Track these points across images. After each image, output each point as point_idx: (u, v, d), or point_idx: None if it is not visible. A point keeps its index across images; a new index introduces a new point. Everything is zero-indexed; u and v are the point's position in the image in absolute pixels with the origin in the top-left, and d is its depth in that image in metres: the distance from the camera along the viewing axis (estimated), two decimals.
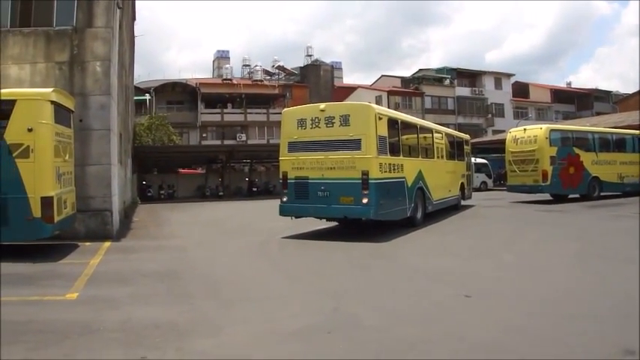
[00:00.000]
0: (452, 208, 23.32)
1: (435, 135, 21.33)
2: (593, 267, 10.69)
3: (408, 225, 17.13)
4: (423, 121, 22.01)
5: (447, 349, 5.96)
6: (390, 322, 7.01)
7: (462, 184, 25.33)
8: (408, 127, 18.85)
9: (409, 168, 17.27)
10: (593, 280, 9.44)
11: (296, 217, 16.55)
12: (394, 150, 16.38)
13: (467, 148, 27.30)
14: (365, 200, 14.66)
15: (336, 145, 15.29)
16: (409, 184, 17.12)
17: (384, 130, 15.50)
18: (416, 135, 19.13)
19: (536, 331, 6.39)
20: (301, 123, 16.04)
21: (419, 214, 18.10)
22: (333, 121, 15.42)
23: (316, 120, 15.73)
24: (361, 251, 13.18)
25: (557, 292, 8.55)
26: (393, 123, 16.60)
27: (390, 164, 15.74)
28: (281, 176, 16.46)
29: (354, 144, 14.97)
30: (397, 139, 16.91)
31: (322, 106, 16.05)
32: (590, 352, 5.71)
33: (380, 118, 15.25)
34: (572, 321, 6.80)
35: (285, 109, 17.67)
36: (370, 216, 14.88)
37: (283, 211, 16.24)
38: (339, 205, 15.05)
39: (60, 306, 8.10)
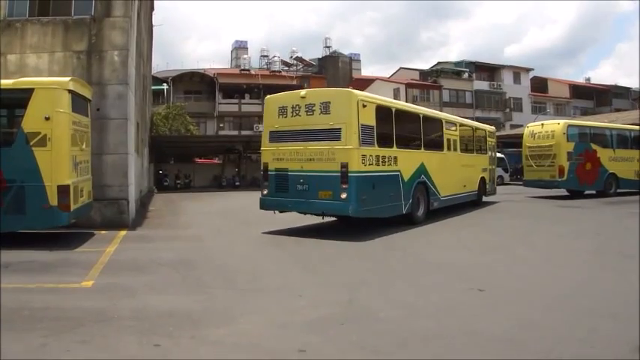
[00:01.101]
0: (469, 204, 22.12)
1: (446, 125, 19.89)
2: (609, 264, 10.62)
3: (405, 222, 16.15)
4: (427, 109, 20.22)
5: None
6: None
7: (483, 178, 23.73)
8: (407, 116, 17.37)
9: (406, 161, 16.12)
10: (609, 277, 9.36)
11: (280, 212, 15.61)
12: (385, 141, 15.13)
13: (491, 141, 25.55)
14: (343, 195, 13.60)
15: (316, 135, 14.30)
16: (406, 179, 15.96)
17: (369, 119, 14.30)
18: (418, 125, 17.60)
19: (551, 327, 6.36)
20: (282, 111, 15.13)
21: (420, 211, 17.08)
22: (314, 108, 14.39)
23: (297, 108, 14.74)
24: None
25: (572, 288, 8.51)
26: (383, 111, 15.37)
27: (378, 156, 14.55)
28: (262, 167, 15.62)
29: (334, 134, 13.92)
30: (390, 129, 15.57)
31: (303, 92, 15.04)
32: (604, 349, 5.67)
33: (364, 106, 14.06)
34: (586, 317, 6.76)
35: (268, 96, 16.35)
36: (349, 212, 13.85)
37: (263, 205, 15.43)
38: (318, 200, 14.08)
39: (75, 293, 8.15)
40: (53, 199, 11.85)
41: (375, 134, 14.51)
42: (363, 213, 14.18)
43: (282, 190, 14.77)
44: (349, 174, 13.54)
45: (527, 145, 27.86)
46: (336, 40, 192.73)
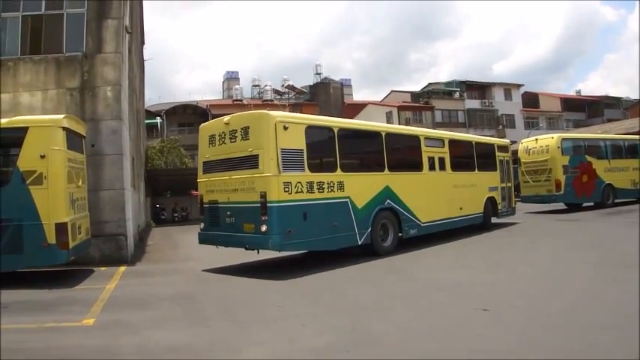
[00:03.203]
0: (475, 228, 20.07)
1: (427, 143, 17.85)
2: (611, 275, 10.58)
3: (368, 254, 14.71)
4: (393, 126, 18.56)
5: None
6: None
7: (492, 199, 21.35)
8: (359, 135, 16.05)
9: (359, 185, 14.68)
10: (609, 289, 9.35)
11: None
12: (324, 165, 14.18)
13: (502, 156, 22.78)
14: (264, 228, 12.35)
15: (238, 163, 13.29)
16: (359, 205, 14.45)
17: (295, 142, 13.01)
18: (379, 144, 15.85)
19: (554, 343, 6.34)
20: (212, 140, 14.38)
21: (388, 241, 15.54)
22: (236, 135, 13.45)
23: (223, 135, 13.89)
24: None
25: (574, 302, 8.51)
26: (319, 132, 14.28)
27: (310, 183, 13.16)
28: (199, 200, 14.92)
29: (253, 161, 12.79)
30: (332, 151, 14.16)
31: (226, 118, 14.02)
32: None
33: (285, 128, 12.73)
34: (588, 331, 6.76)
35: (202, 125, 15.53)
36: (269, 247, 12.56)
37: (200, 240, 14.59)
38: (243, 233, 12.96)
39: (77, 332, 8.07)
40: (51, 237, 11.75)
41: (306, 158, 13.19)
42: (291, 247, 13.23)
43: (214, 224, 14.02)
44: (268, 204, 12.37)
45: (523, 160, 27.98)
46: (326, 67, 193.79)
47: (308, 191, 13.10)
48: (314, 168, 13.46)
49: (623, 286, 9.33)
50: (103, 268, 14.65)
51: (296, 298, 10.18)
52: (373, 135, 16.20)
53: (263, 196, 12.38)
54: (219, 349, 6.83)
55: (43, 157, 11.82)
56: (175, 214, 40.75)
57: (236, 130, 13.44)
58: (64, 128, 12.45)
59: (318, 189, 13.42)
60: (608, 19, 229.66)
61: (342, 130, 14.71)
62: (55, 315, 9.20)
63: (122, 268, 14.71)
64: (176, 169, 46.53)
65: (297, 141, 13.10)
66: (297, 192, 12.82)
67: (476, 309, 8.20)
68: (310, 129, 13.70)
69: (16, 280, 12.24)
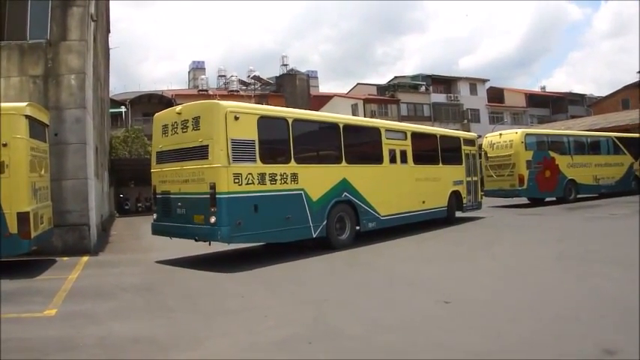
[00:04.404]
0: (439, 221, 20.02)
1: (387, 135, 17.66)
2: (572, 269, 10.76)
3: (322, 247, 14.68)
4: (351, 117, 17.83)
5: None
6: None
7: (457, 192, 21.24)
8: (315, 126, 15.97)
9: (314, 177, 14.52)
10: (572, 282, 9.50)
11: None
12: (277, 156, 14.03)
13: (468, 149, 22.60)
14: (212, 219, 12.24)
15: (189, 154, 13.13)
16: (314, 198, 14.33)
17: (247, 133, 12.85)
18: (336, 136, 15.70)
19: (517, 336, 6.44)
20: (165, 129, 14.19)
21: (345, 234, 15.46)
22: (187, 125, 13.29)
23: (175, 125, 13.70)
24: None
25: (536, 295, 8.62)
26: (273, 123, 14.14)
27: (262, 174, 13.04)
28: (152, 191, 14.72)
29: (203, 151, 12.62)
30: (286, 143, 14.08)
31: (178, 108, 13.97)
32: (572, 353, 5.75)
33: (236, 118, 12.60)
34: (552, 324, 6.84)
35: (156, 114, 15.27)
36: (217, 239, 12.43)
37: (153, 231, 14.50)
38: (193, 224, 12.81)
39: (39, 323, 8.01)
40: (13, 227, 11.65)
41: (258, 149, 13.05)
42: (241, 239, 13.09)
43: (166, 215, 13.84)
44: (217, 195, 12.21)
45: (487, 155, 28.16)
46: (293, 58, 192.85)
47: (259, 183, 12.99)
48: (266, 159, 13.34)
49: (586, 281, 9.51)
50: (65, 258, 14.53)
51: (258, 289, 10.20)
52: (330, 126, 16.13)
53: (212, 187, 12.26)
54: (182, 340, 6.83)
55: (5, 145, 11.70)
56: (139, 204, 40.48)
57: (187, 120, 13.29)
58: (26, 116, 12.33)
59: (271, 180, 13.32)
60: (573, 18, 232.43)
61: (296, 120, 14.56)
62: (16, 306, 9.10)
63: (85, 259, 14.59)
64: (140, 159, 46.08)
65: (249, 131, 12.95)
66: (247, 183, 12.70)
67: (437, 301, 8.29)
68: (263, 119, 13.51)
69: None
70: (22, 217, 11.77)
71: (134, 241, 19.25)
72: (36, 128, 13.12)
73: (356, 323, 7.37)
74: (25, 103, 12.94)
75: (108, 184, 32.64)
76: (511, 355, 5.84)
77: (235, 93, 72.08)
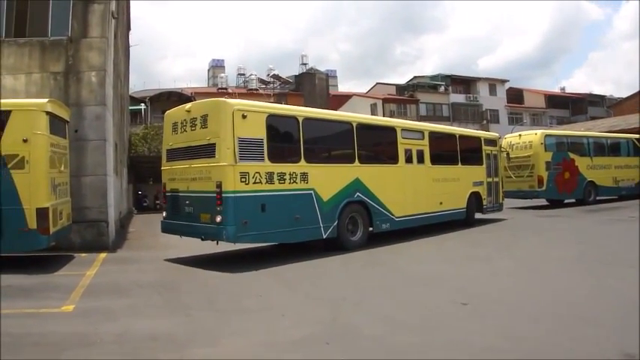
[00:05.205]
0: (458, 223, 19.63)
1: (404, 134, 17.31)
2: (591, 271, 10.71)
3: (333, 248, 14.46)
4: (365, 116, 18.01)
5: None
6: None
7: (477, 193, 20.74)
8: (326, 125, 15.65)
9: (326, 177, 14.37)
10: (592, 285, 9.44)
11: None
12: (287, 155, 13.86)
13: (489, 149, 22.10)
14: (218, 218, 12.17)
15: (197, 152, 13.06)
16: (325, 198, 14.16)
17: (255, 131, 12.75)
18: (350, 135, 15.41)
19: (535, 338, 6.39)
20: (174, 127, 14.15)
21: (357, 235, 15.24)
22: (196, 122, 13.22)
23: (184, 123, 13.65)
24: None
25: (554, 297, 8.56)
26: (282, 121, 14.05)
27: (270, 173, 12.92)
28: (162, 188, 14.84)
29: (210, 150, 12.56)
30: (296, 141, 13.96)
31: (188, 106, 13.91)
32: (591, 355, 5.71)
33: (244, 117, 12.52)
34: (569, 326, 6.82)
35: (166, 112, 15.21)
36: (223, 238, 12.35)
37: (163, 229, 14.54)
38: (200, 223, 12.78)
39: (56, 318, 8.03)
40: (32, 222, 11.69)
41: (266, 148, 12.93)
42: (247, 239, 12.88)
43: (175, 213, 13.82)
44: (223, 194, 12.15)
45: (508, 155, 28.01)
46: (312, 57, 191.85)
47: (267, 182, 12.88)
48: (275, 158, 13.20)
49: (605, 282, 9.43)
50: (83, 255, 14.57)
51: (274, 288, 10.21)
52: (343, 125, 15.83)
53: (219, 185, 12.20)
54: (199, 338, 6.83)
55: (25, 141, 11.74)
56: (157, 202, 40.45)
57: (196, 118, 13.23)
58: (47, 112, 12.38)
59: (279, 180, 13.18)
60: (593, 18, 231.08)
61: (307, 119, 14.39)
62: (34, 301, 9.16)
63: (103, 255, 14.64)
64: (159, 156, 46.09)
65: (257, 130, 12.85)
66: (255, 182, 12.59)
67: (455, 302, 8.24)
68: (272, 118, 13.41)
69: None
70: (42, 213, 11.81)
71: (152, 238, 19.25)
72: (56, 124, 13.18)
73: (374, 323, 7.33)
74: (45, 100, 12.99)
75: (127, 181, 32.76)
76: (529, 356, 5.79)
77: (254, 91, 72.10)
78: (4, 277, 10.80)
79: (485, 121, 75.04)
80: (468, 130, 26.41)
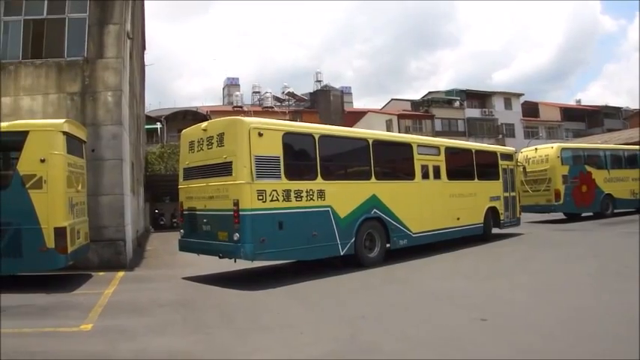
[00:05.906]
0: (475, 238, 19.43)
1: (419, 150, 17.25)
2: (608, 286, 10.61)
3: (351, 265, 14.30)
4: (381, 132, 17.90)
5: None
6: None
7: (494, 208, 20.61)
8: (342, 143, 15.58)
9: (342, 194, 14.33)
10: (608, 300, 9.34)
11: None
12: (303, 172, 13.79)
13: (505, 164, 22.00)
14: (236, 236, 12.12)
15: (214, 170, 13.08)
16: (342, 215, 14.07)
17: (271, 149, 12.73)
18: (366, 152, 15.38)
19: (553, 354, 6.33)
20: (191, 146, 14.20)
21: (374, 252, 15.11)
22: (212, 141, 13.23)
23: (201, 142, 13.67)
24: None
25: (573, 312, 8.49)
26: (298, 139, 14.05)
27: (287, 191, 12.90)
28: (179, 207, 14.78)
29: (227, 168, 12.56)
30: (312, 159, 13.92)
31: (204, 125, 13.96)
32: None
33: (260, 135, 12.51)
34: (588, 341, 6.76)
35: (183, 131, 15.27)
36: (241, 256, 12.30)
37: (180, 247, 14.52)
38: (218, 241, 12.74)
39: (75, 337, 8.05)
40: (50, 242, 11.75)
41: (283, 165, 12.93)
42: (265, 256, 12.83)
43: (193, 231, 13.83)
44: (240, 212, 12.11)
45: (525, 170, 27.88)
46: (326, 74, 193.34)
47: (284, 199, 12.85)
48: (292, 175, 13.18)
49: (623, 297, 9.33)
50: (101, 273, 14.61)
51: (293, 306, 10.18)
52: (359, 142, 15.79)
53: (236, 203, 12.17)
54: (217, 357, 6.81)
55: (43, 161, 11.84)
56: (174, 220, 40.57)
57: (212, 137, 13.25)
58: (64, 133, 12.48)
59: (296, 197, 13.15)
60: (607, 29, 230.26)
61: (323, 136, 14.34)
62: (53, 320, 9.18)
63: (120, 274, 14.66)
64: (175, 175, 46.22)
65: (274, 148, 12.84)
66: (272, 200, 12.56)
67: (474, 319, 8.19)
68: (288, 135, 13.42)
69: (14, 284, 12.17)
70: (59, 232, 11.87)
71: (169, 257, 19.29)
72: (73, 144, 13.27)
73: (393, 340, 7.29)
74: (62, 120, 13.10)
75: (143, 200, 32.89)
76: None
77: (270, 109, 72.39)
78: (23, 297, 10.87)
79: (500, 136, 74.86)
80: (484, 144, 26.04)
